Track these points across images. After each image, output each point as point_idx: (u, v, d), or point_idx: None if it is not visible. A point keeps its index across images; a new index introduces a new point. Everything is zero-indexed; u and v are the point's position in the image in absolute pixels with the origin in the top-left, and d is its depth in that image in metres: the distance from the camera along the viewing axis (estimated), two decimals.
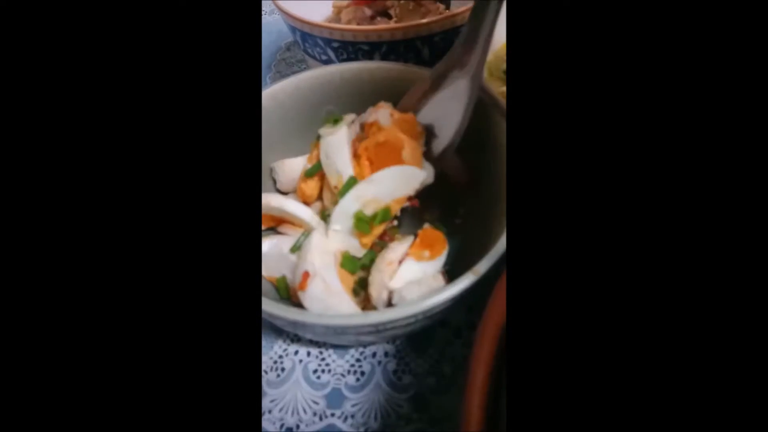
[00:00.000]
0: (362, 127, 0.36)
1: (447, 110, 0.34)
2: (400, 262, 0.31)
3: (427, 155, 0.35)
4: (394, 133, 0.33)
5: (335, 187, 0.34)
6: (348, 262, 0.32)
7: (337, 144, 0.34)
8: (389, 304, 0.30)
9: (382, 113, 0.35)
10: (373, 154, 0.34)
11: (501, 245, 0.26)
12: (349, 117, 0.36)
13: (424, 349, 0.33)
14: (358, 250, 0.34)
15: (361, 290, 0.33)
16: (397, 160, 0.33)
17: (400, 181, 0.33)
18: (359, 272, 0.34)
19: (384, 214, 0.33)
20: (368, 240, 0.34)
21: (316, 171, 0.36)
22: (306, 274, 0.29)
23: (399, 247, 0.32)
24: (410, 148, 0.33)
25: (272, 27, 0.62)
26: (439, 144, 0.35)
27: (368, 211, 0.33)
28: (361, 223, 0.33)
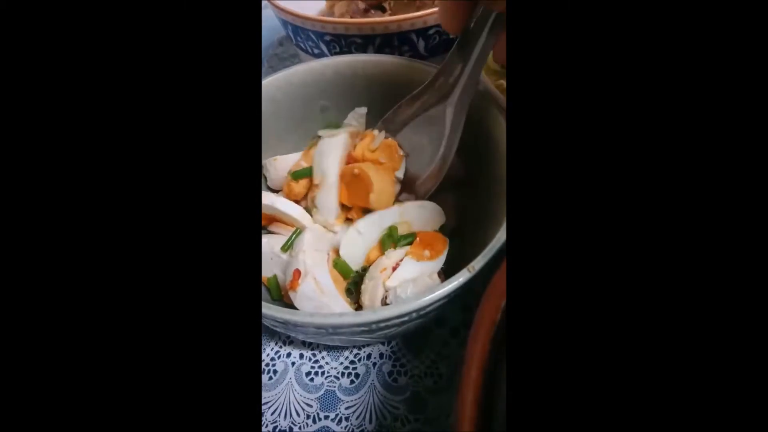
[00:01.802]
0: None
1: (427, 137, 0.34)
2: (394, 268, 0.31)
3: (409, 186, 0.35)
4: (367, 173, 0.33)
5: (316, 185, 0.34)
6: (342, 266, 0.31)
7: (333, 147, 0.35)
8: (384, 302, 0.29)
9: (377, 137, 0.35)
10: (348, 182, 0.34)
11: (496, 242, 0.25)
12: (352, 128, 0.37)
13: (420, 350, 0.32)
14: (359, 263, 0.33)
15: (354, 290, 0.32)
16: (364, 200, 0.33)
17: (433, 218, 0.33)
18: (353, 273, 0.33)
19: (409, 239, 0.33)
20: (378, 256, 0.33)
21: (305, 175, 0.35)
22: (297, 273, 0.28)
23: (394, 254, 0.31)
24: (378, 192, 0.32)
25: (264, 22, 0.61)
26: (419, 171, 0.34)
27: (400, 231, 0.33)
28: (389, 239, 0.32)
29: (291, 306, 0.29)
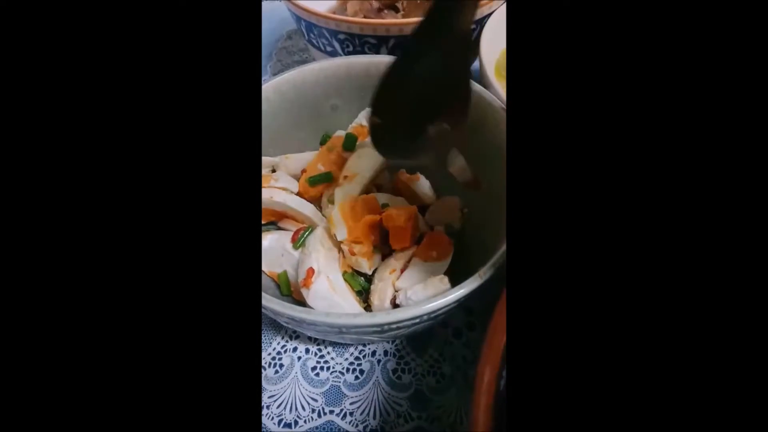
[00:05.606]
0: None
1: None
2: (402, 270, 0.31)
3: None
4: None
5: (345, 177, 0.34)
6: (350, 278, 0.32)
7: (372, 157, 0.35)
8: (394, 304, 0.30)
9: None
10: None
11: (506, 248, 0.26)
12: None
13: (424, 349, 0.33)
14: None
15: (364, 290, 0.32)
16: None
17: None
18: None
19: None
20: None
21: (323, 181, 0.35)
22: (311, 271, 0.28)
23: (402, 255, 0.32)
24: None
25: (273, 14, 0.61)
26: None
27: None
28: None
29: (300, 302, 0.29)
